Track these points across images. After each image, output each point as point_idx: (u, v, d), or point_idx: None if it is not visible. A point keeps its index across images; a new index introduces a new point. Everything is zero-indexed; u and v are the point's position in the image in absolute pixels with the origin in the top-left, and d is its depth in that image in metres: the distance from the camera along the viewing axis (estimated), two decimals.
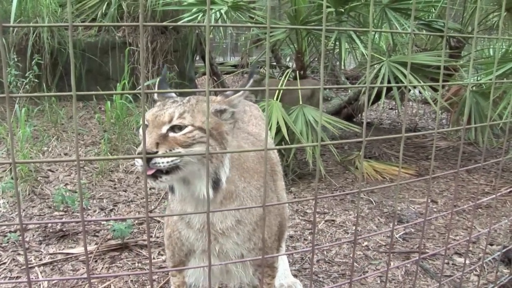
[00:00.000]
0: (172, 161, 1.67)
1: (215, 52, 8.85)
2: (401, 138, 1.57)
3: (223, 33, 9.81)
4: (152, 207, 4.24)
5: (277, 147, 1.85)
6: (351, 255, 3.48)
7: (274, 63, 8.26)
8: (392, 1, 5.07)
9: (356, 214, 4.12)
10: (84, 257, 3.35)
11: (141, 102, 1.16)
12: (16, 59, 5.54)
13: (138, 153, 1.63)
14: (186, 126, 1.73)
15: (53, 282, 3.04)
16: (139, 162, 1.64)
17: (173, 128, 1.73)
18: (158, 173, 1.67)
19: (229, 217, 1.94)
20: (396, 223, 4.00)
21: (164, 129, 1.72)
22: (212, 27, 6.31)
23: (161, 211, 4.16)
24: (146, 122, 1.73)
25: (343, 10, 4.99)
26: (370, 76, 5.27)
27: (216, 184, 1.83)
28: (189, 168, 1.74)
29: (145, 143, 1.43)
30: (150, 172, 1.66)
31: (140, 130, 1.74)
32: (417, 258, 2.07)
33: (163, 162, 1.65)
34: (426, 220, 1.85)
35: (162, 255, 3.40)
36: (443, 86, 5.31)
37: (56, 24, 1.32)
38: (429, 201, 4.41)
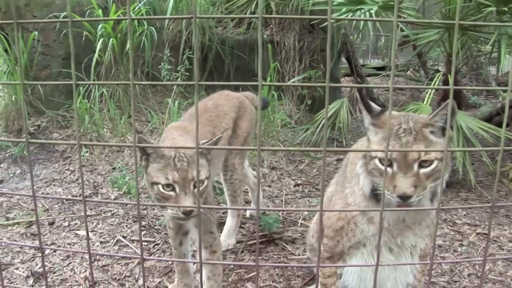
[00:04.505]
0: (421, 194, 1.79)
1: (357, 54, 8.70)
2: None
3: (363, 35, 9.62)
4: (295, 205, 4.27)
5: (459, 149, 1.77)
6: (507, 274, 3.22)
7: (419, 66, 7.95)
8: None
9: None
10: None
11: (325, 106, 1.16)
12: (168, 54, 5.89)
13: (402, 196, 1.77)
14: (432, 161, 1.79)
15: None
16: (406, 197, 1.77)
17: (420, 164, 1.78)
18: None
19: (422, 212, 2.02)
20: None
21: (416, 167, 1.78)
22: (363, 26, 6.21)
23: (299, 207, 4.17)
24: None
25: (506, 9, 4.62)
26: None
27: (433, 196, 1.93)
28: None
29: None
30: (403, 206, 1.80)
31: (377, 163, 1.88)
32: None
33: (417, 198, 1.78)
34: None
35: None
36: None
37: (245, 16, 1.36)
38: None
